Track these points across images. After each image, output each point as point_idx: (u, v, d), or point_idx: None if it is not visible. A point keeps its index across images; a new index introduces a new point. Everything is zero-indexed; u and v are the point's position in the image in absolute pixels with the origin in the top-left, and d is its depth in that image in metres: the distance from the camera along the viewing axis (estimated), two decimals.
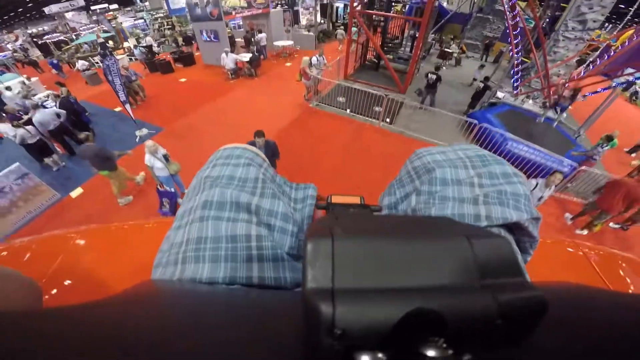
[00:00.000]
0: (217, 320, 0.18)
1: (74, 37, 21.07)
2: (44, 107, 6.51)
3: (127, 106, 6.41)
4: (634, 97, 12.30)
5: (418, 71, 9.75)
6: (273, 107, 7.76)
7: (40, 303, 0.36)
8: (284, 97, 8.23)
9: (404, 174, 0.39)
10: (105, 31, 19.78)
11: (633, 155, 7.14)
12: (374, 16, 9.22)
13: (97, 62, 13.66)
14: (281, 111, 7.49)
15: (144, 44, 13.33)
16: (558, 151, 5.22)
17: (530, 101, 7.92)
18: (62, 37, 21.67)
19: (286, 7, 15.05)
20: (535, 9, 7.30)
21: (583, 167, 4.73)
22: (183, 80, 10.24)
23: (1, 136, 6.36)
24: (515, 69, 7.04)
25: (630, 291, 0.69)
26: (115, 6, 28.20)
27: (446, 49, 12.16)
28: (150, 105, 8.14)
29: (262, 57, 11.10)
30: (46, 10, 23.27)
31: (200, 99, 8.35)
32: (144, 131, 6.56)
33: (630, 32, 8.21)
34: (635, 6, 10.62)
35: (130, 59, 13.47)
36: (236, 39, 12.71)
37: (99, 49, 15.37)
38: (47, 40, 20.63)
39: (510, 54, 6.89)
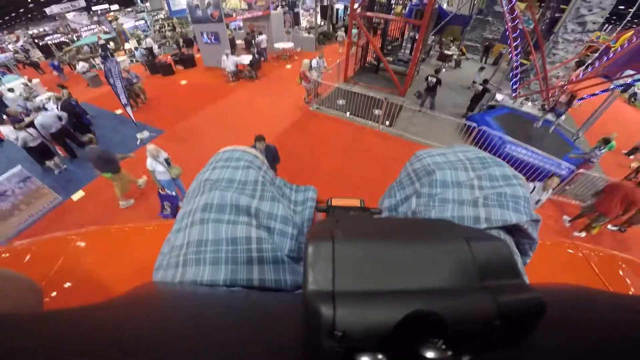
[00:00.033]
0: (217, 322, 0.19)
1: (75, 38, 21.16)
2: (46, 109, 6.54)
3: (128, 109, 6.44)
4: (632, 99, 12.31)
5: (418, 73, 9.77)
6: (273, 109, 7.80)
7: (42, 305, 0.36)
8: (284, 100, 8.27)
9: (404, 176, 0.39)
10: (106, 32, 19.82)
11: (631, 157, 7.16)
12: (374, 18, 9.25)
13: (97, 64, 13.73)
14: (281, 113, 7.53)
15: (145, 46, 13.38)
16: (556, 154, 5.25)
17: (529, 103, 7.94)
18: (63, 39, 21.74)
19: (286, 8, 15.09)
20: (534, 10, 7.33)
21: (581, 170, 4.76)
22: (184, 82, 10.28)
23: (2, 138, 6.40)
24: (515, 72, 7.07)
25: (630, 293, 0.69)
26: (115, 7, 28.26)
27: (446, 51, 12.18)
28: (151, 108, 8.18)
29: (262, 59, 11.14)
30: (47, 10, 23.31)
31: (201, 101, 8.39)
32: (145, 134, 6.60)
33: (630, 33, 8.25)
34: (635, 7, 10.62)
35: (131, 61, 13.53)
36: (237, 41, 12.75)
37: (100, 50, 15.41)
38: (49, 42, 20.70)
39: (510, 56, 6.92)
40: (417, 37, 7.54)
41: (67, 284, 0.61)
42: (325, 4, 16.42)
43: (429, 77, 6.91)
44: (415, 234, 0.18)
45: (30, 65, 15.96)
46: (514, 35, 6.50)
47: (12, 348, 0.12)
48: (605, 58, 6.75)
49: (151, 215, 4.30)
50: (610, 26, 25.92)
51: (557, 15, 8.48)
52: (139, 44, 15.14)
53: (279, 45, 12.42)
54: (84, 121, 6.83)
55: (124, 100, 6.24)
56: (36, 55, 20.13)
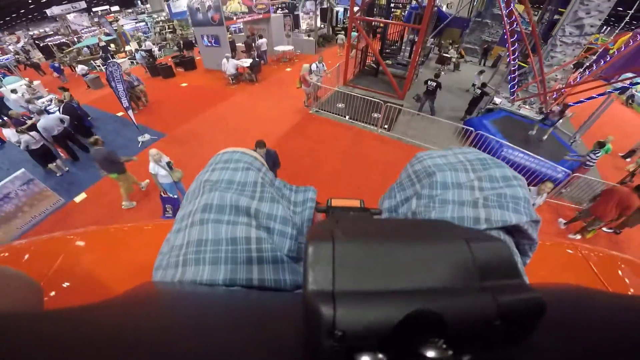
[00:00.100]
0: (217, 321, 0.19)
1: (76, 40, 21.21)
2: (48, 112, 6.59)
3: (130, 112, 6.48)
4: (630, 101, 12.37)
5: (417, 77, 9.82)
6: (273, 112, 7.86)
7: (41, 303, 0.36)
8: (284, 103, 8.34)
9: (404, 178, 0.39)
10: (107, 34, 19.88)
11: (628, 160, 7.19)
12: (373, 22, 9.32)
13: (98, 66, 13.79)
14: (281, 116, 7.59)
15: (144, 48, 13.45)
16: (553, 157, 5.31)
17: (527, 107, 8.00)
18: (63, 40, 21.81)
19: (286, 11, 15.17)
20: (532, 13, 7.39)
21: (576, 174, 4.82)
22: (184, 85, 10.35)
23: (4, 139, 6.44)
24: (513, 75, 7.13)
25: (629, 293, 0.69)
26: (116, 8, 28.36)
27: (445, 54, 12.25)
28: (152, 111, 8.23)
29: (262, 62, 11.20)
30: (48, 12, 23.38)
31: (201, 104, 8.45)
32: (147, 137, 6.65)
33: (627, 36, 8.30)
34: (633, 9, 10.69)
35: (132, 63, 13.58)
36: (237, 44, 12.82)
37: (100, 52, 15.47)
38: (49, 43, 20.76)
39: (508, 59, 6.98)
40: (416, 40, 7.60)
41: (66, 284, 0.61)
42: (325, 6, 16.52)
43: (429, 81, 6.95)
44: (415, 235, 0.19)
45: (31, 67, 16.02)
46: (512, 39, 6.57)
47: (11, 348, 0.12)
48: (603, 62, 6.83)
49: (153, 217, 4.35)
50: (609, 28, 26.00)
51: (555, 17, 8.57)
52: (140, 45, 15.21)
53: (279, 48, 12.50)
54: (85, 123, 6.89)
55: (125, 104, 6.27)
56: (37, 56, 20.19)
